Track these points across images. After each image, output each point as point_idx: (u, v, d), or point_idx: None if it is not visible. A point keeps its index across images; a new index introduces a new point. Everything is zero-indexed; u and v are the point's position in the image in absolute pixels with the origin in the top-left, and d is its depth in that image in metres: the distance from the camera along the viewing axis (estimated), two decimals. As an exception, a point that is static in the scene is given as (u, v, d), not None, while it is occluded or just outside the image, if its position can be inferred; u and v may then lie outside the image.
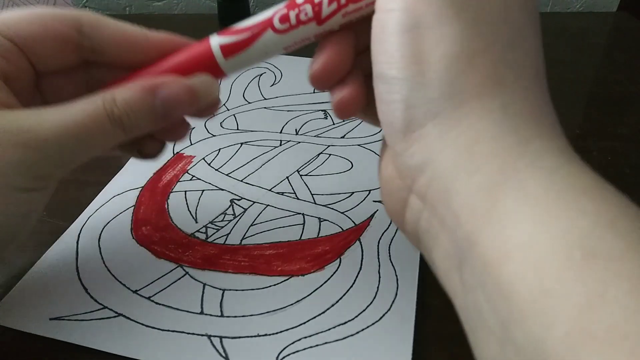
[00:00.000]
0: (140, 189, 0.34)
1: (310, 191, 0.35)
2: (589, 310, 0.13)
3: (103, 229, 0.31)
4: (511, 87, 0.17)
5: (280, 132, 0.40)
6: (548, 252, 0.14)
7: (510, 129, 0.16)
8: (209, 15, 0.62)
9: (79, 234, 0.31)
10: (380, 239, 0.31)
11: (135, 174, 0.36)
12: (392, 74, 0.18)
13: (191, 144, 0.39)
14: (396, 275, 0.28)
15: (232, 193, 0.35)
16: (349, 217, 0.32)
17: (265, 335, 0.25)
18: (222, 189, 0.35)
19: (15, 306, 0.27)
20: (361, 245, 0.30)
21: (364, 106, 0.22)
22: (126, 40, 0.23)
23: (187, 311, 0.27)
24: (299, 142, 0.39)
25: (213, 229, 0.32)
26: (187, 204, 0.34)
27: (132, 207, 0.33)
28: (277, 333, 0.26)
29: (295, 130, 0.41)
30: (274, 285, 0.28)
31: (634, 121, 0.45)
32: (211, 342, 0.25)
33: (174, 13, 0.68)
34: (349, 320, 0.26)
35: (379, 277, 0.28)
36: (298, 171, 0.36)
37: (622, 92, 0.49)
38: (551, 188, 0.15)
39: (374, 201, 0.34)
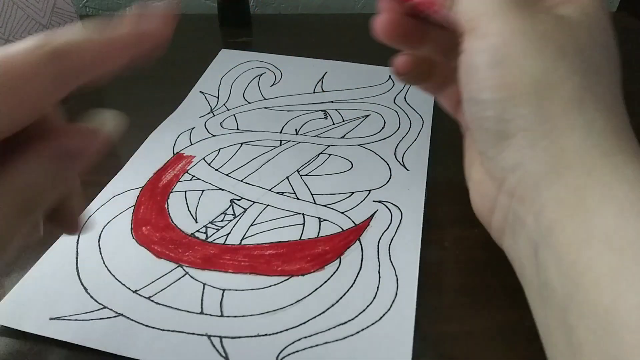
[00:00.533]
0: (140, 189, 0.34)
1: (310, 191, 0.35)
2: None
3: (103, 229, 0.31)
4: (592, 108, 0.20)
5: (280, 132, 0.40)
6: (628, 239, 0.16)
7: (595, 143, 0.19)
8: (209, 16, 0.61)
9: (79, 234, 0.31)
10: (380, 239, 0.31)
11: (135, 174, 0.36)
12: (484, 97, 0.21)
13: (191, 144, 0.39)
14: (396, 275, 0.28)
15: (232, 193, 0.35)
16: (349, 217, 0.32)
17: (265, 335, 0.25)
18: (222, 189, 0.35)
19: (15, 306, 0.27)
20: (361, 245, 0.30)
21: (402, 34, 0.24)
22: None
23: (187, 311, 0.27)
24: (299, 142, 0.39)
25: (213, 229, 0.32)
26: (187, 204, 0.34)
27: (132, 207, 0.33)
28: (277, 333, 0.26)
29: (295, 130, 0.41)
30: (274, 285, 0.28)
31: (634, 121, 0.44)
32: (211, 342, 0.25)
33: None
34: (349, 320, 0.26)
35: (379, 277, 0.28)
36: (298, 171, 0.36)
37: (621, 92, 0.49)
38: (633, 191, 0.18)
39: (374, 201, 0.34)
